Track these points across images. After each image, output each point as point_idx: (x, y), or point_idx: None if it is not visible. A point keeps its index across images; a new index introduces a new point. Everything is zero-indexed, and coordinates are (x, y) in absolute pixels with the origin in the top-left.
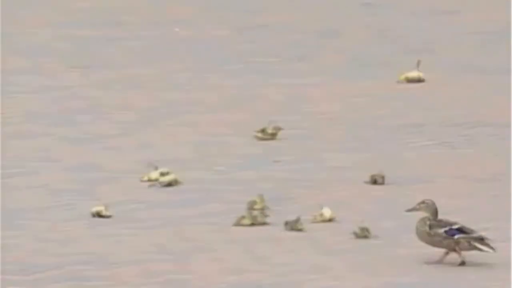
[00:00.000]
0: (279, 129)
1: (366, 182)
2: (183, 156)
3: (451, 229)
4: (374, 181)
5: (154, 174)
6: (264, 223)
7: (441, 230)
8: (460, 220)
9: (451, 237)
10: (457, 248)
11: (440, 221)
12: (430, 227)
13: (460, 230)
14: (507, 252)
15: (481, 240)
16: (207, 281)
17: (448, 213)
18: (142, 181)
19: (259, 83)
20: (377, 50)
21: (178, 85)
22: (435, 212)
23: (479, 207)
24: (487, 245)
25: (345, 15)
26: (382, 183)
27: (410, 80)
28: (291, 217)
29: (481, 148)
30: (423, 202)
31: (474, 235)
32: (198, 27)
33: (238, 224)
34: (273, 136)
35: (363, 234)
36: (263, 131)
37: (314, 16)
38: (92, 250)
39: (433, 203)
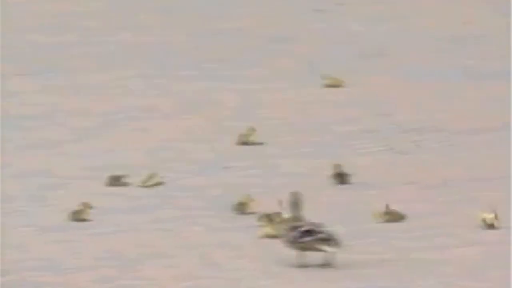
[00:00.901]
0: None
1: (323, 184)
2: (137, 161)
3: (298, 231)
4: (341, 179)
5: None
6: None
7: (291, 234)
8: (411, 226)
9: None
10: (304, 249)
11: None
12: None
13: (306, 232)
14: (470, 255)
15: (325, 240)
16: (159, 287)
17: (400, 219)
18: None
19: (214, 89)
20: (329, 56)
21: (133, 91)
22: (295, 206)
23: (430, 212)
24: (331, 245)
25: (298, 21)
26: (347, 182)
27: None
28: (244, 223)
29: (431, 154)
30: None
31: (319, 236)
32: (154, 33)
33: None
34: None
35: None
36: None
37: (267, 22)
38: (45, 256)
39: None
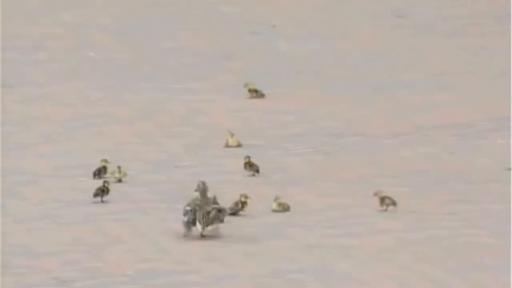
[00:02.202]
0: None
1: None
2: (98, 162)
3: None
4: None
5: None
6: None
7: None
8: (330, 216)
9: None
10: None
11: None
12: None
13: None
14: (367, 242)
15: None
16: (119, 269)
17: (320, 210)
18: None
19: (162, 99)
20: (265, 72)
21: (91, 101)
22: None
23: (347, 205)
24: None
25: (236, 41)
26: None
27: (251, 91)
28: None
29: (351, 155)
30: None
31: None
32: (110, 51)
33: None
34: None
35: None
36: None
37: (209, 42)
38: (18, 243)
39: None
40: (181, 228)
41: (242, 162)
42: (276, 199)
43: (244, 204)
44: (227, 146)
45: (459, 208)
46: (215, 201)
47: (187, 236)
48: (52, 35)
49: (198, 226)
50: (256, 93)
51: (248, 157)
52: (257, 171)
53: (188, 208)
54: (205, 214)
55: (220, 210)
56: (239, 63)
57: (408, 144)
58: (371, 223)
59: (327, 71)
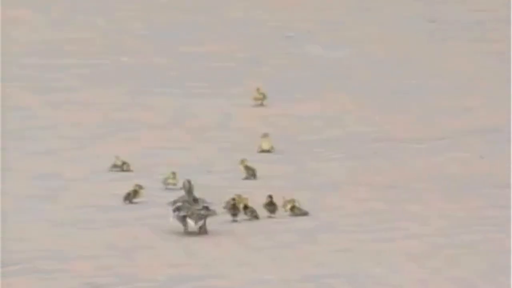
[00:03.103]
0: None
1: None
2: (131, 168)
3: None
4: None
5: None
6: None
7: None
8: (362, 221)
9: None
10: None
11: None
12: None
13: (177, 209)
14: (412, 246)
15: (184, 217)
16: (150, 273)
17: (352, 215)
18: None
19: (194, 104)
20: (296, 77)
21: (123, 106)
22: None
23: (379, 209)
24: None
25: (268, 46)
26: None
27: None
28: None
29: (382, 160)
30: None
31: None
32: (140, 56)
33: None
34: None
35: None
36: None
37: (240, 47)
38: (51, 247)
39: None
40: (213, 232)
41: (275, 167)
42: (289, 202)
43: (239, 207)
44: (260, 151)
45: (490, 213)
46: (203, 201)
47: (187, 230)
48: (83, 40)
49: (190, 222)
50: (263, 98)
51: (245, 160)
52: (254, 175)
53: (179, 204)
54: (194, 212)
55: (207, 208)
56: (270, 69)
57: (438, 149)
58: (403, 228)
59: (357, 76)
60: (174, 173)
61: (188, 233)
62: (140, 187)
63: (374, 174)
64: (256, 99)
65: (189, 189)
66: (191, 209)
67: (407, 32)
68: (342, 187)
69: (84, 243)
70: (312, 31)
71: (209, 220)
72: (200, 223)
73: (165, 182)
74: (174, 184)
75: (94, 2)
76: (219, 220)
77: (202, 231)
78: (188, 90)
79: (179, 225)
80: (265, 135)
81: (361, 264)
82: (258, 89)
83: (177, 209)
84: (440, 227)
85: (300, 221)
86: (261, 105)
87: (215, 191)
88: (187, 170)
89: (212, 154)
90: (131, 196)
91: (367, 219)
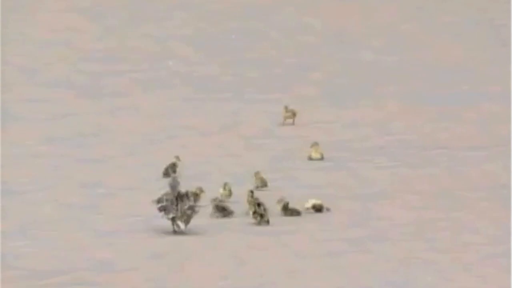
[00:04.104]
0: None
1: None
2: (182, 176)
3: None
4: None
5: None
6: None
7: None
8: (414, 230)
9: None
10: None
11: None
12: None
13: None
14: (465, 255)
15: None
16: (199, 285)
17: (404, 224)
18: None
19: (245, 111)
20: (347, 83)
21: (173, 112)
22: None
23: (431, 218)
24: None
25: (320, 52)
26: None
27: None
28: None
29: (435, 168)
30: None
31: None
32: (191, 63)
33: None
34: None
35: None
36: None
37: (292, 52)
38: (98, 257)
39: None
40: (260, 240)
41: (326, 175)
42: (280, 201)
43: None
44: (310, 158)
45: None
46: (187, 196)
47: (177, 231)
48: (133, 47)
49: (179, 224)
50: (292, 116)
51: (259, 172)
52: (265, 185)
53: (164, 204)
54: (184, 212)
55: (193, 207)
56: (321, 74)
57: (491, 157)
58: (455, 237)
59: (409, 81)
60: (226, 186)
61: (235, 241)
62: (201, 190)
63: (426, 182)
64: (285, 117)
65: (173, 185)
66: (179, 210)
67: (461, 37)
68: (394, 196)
69: (131, 253)
70: (365, 36)
71: (257, 229)
72: (186, 225)
73: (216, 200)
74: (228, 195)
75: (147, 11)
76: (268, 229)
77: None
78: (239, 96)
79: (228, 234)
80: (315, 144)
81: (413, 273)
82: (286, 108)
83: (164, 209)
84: (493, 236)
85: (351, 230)
86: (292, 124)
87: (268, 200)
88: (237, 179)
89: (263, 162)
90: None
91: (419, 228)
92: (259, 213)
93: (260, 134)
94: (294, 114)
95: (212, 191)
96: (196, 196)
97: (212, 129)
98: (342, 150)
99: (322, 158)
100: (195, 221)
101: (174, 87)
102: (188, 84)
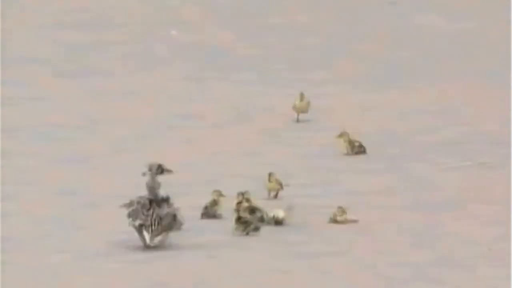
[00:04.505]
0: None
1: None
2: (186, 179)
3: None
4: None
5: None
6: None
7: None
8: (495, 251)
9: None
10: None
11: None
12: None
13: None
14: None
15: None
16: None
17: (483, 243)
18: None
19: (269, 94)
20: (405, 57)
21: (175, 96)
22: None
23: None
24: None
25: (368, 17)
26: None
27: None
28: (307, 249)
29: None
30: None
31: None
32: (199, 30)
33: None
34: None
35: None
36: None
37: (332, 19)
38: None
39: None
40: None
41: (370, 178)
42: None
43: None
44: (348, 153)
45: None
46: (168, 202)
47: (148, 245)
48: (123, 9)
49: (145, 235)
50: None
51: (271, 174)
52: (277, 193)
53: (133, 208)
54: (156, 219)
55: (175, 216)
56: (371, 46)
57: None
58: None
59: (484, 56)
60: (243, 195)
61: (256, 265)
62: (220, 194)
63: (506, 188)
64: (296, 108)
65: (151, 186)
66: (150, 217)
67: None
68: (466, 206)
69: (122, 282)
70: None
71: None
72: (158, 239)
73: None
74: (248, 200)
75: None
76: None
77: (162, 244)
78: (261, 75)
79: (246, 256)
80: (343, 134)
81: None
82: (301, 95)
83: (133, 214)
84: None
85: (413, 253)
86: (300, 120)
87: (293, 211)
88: (257, 183)
89: (288, 161)
90: (209, 209)
91: (500, 249)
92: (244, 220)
93: (286, 125)
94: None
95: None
96: (214, 204)
97: (225, 118)
98: (395, 145)
99: (361, 151)
100: (212, 237)
101: (177, 64)
102: (195, 59)
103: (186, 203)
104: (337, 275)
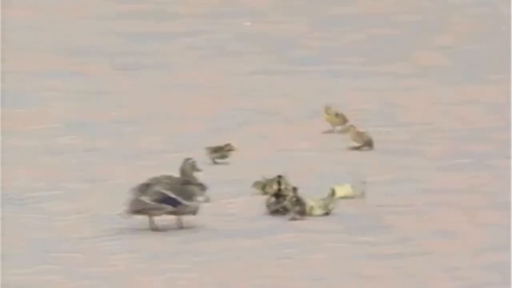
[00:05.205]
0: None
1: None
2: (258, 175)
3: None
4: None
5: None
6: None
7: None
8: None
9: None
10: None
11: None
12: None
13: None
14: None
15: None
16: None
17: None
18: None
19: (344, 88)
20: (490, 49)
21: (245, 90)
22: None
23: None
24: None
25: (446, 4)
26: None
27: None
28: (386, 249)
29: None
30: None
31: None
32: (272, 21)
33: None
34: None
35: None
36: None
37: (408, 6)
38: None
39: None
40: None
41: (459, 177)
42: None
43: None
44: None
45: None
46: (201, 187)
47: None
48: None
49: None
50: (338, 121)
51: (279, 177)
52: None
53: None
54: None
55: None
56: (453, 37)
57: None
58: None
59: None
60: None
61: (338, 270)
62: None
63: None
64: (330, 121)
65: (183, 170)
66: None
67: None
68: None
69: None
70: None
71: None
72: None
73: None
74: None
75: None
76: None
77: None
78: (335, 67)
79: (323, 259)
80: (349, 128)
81: None
82: (327, 109)
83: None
84: None
85: (500, 255)
86: (333, 131)
87: (372, 210)
88: (334, 182)
89: (368, 159)
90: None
91: None
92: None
93: (365, 120)
94: (343, 119)
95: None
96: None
97: (298, 113)
98: (485, 145)
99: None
100: (282, 238)
101: (247, 57)
102: (265, 52)
103: (257, 200)
104: (419, 277)
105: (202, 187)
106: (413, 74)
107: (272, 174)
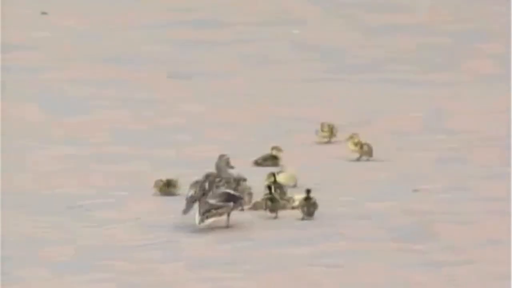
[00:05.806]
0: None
1: None
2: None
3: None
4: None
5: None
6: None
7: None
8: None
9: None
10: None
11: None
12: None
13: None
14: None
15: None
16: None
17: None
18: None
19: (390, 96)
20: None
21: (295, 98)
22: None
23: None
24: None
25: (490, 11)
26: None
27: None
28: (436, 257)
29: None
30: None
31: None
32: (320, 29)
33: None
34: None
35: None
36: None
37: (459, 17)
38: None
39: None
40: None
41: (508, 186)
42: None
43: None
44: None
45: None
46: (237, 182)
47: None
48: (238, 8)
49: (196, 217)
50: (329, 135)
51: (273, 174)
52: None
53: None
54: (205, 197)
55: (234, 197)
56: (503, 46)
57: None
58: None
59: None
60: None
61: (384, 278)
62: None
63: None
64: (322, 136)
65: (218, 165)
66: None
67: None
68: None
69: None
70: None
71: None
72: (209, 221)
73: None
74: None
75: None
76: None
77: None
78: (385, 76)
79: (372, 267)
80: (354, 136)
81: None
82: (322, 125)
83: (192, 185)
84: None
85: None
86: (329, 142)
87: (422, 217)
88: (385, 189)
89: (419, 166)
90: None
91: None
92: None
93: (413, 128)
94: (332, 133)
95: (351, 208)
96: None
97: (348, 121)
98: None
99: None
100: (327, 245)
101: (295, 65)
102: (314, 60)
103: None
104: (470, 285)
105: (240, 181)
106: (463, 82)
107: (312, 182)
